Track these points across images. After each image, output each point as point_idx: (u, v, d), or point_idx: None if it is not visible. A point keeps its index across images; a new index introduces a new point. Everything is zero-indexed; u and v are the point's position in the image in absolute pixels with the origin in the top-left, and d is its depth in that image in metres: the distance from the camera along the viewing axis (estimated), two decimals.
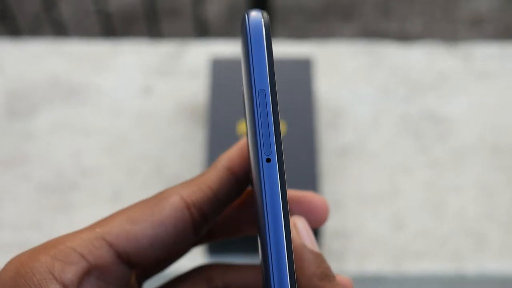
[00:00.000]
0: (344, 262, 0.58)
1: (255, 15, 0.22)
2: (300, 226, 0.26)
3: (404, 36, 1.53)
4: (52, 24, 1.30)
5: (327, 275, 0.25)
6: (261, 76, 0.22)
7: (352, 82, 0.70)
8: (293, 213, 0.29)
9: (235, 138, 0.60)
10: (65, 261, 0.24)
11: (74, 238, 0.25)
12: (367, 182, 0.63)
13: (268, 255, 0.21)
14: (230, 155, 0.29)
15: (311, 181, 0.57)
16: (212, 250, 0.58)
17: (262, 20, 0.22)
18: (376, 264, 0.58)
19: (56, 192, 0.62)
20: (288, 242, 0.21)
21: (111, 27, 1.34)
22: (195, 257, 0.57)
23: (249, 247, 0.57)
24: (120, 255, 0.26)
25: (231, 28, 1.55)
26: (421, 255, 0.59)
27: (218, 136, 0.60)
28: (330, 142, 0.65)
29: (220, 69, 0.65)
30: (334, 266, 0.57)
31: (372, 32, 1.56)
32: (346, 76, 0.71)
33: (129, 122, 0.67)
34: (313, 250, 0.26)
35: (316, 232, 0.55)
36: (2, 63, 0.72)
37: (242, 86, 0.23)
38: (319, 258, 0.26)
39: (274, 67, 0.22)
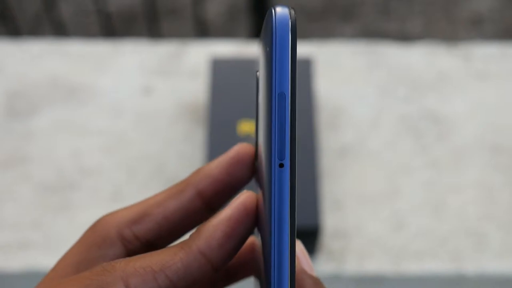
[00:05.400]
0: (344, 262, 0.58)
1: (282, 12, 0.21)
2: (297, 251, 0.26)
3: (404, 36, 1.53)
4: (52, 24, 1.30)
5: None
6: (282, 79, 0.21)
7: (352, 82, 0.70)
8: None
9: (235, 138, 0.60)
10: None
11: None
12: (367, 182, 0.63)
13: (271, 260, 0.21)
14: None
15: (311, 181, 0.57)
16: None
17: (289, 19, 0.21)
18: (376, 264, 0.58)
19: (56, 192, 0.62)
20: (292, 248, 0.21)
21: (111, 27, 1.34)
22: None
23: None
24: None
25: (231, 28, 1.55)
26: (421, 255, 0.59)
27: (218, 136, 0.60)
28: (330, 142, 0.65)
29: (220, 69, 0.65)
30: (334, 266, 0.58)
31: (372, 32, 1.56)
32: (346, 76, 0.71)
33: (129, 122, 0.67)
34: (311, 275, 0.25)
35: (316, 231, 0.55)
36: (2, 63, 0.72)
37: (257, 86, 0.23)
38: (318, 284, 0.25)
39: (297, 69, 0.21)
